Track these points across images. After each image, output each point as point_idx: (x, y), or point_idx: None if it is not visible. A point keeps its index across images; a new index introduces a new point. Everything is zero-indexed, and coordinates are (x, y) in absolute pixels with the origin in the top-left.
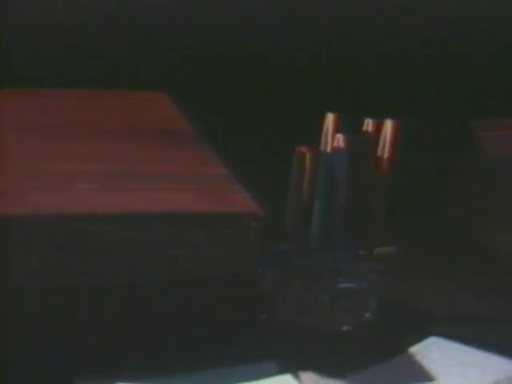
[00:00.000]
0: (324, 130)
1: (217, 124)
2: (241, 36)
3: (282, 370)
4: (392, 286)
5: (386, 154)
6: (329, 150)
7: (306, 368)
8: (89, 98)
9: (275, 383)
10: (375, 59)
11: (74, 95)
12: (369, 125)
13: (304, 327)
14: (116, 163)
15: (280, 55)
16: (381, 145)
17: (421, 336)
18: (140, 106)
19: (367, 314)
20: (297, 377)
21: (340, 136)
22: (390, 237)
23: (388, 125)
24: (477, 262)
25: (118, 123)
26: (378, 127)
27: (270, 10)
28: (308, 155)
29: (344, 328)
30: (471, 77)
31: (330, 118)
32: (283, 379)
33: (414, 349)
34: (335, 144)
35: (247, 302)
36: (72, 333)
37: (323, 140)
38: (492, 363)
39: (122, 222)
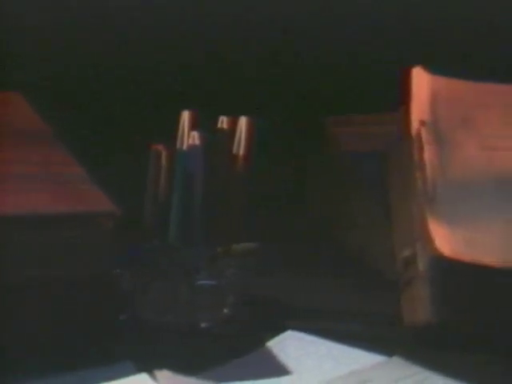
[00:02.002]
0: (180, 127)
1: (72, 123)
2: (100, 34)
3: (140, 369)
4: (251, 282)
5: (241, 151)
6: (185, 147)
7: (164, 366)
8: None
9: (131, 383)
10: (233, 58)
11: None
12: (223, 122)
13: (163, 325)
14: None
15: (139, 53)
16: (236, 142)
17: (279, 331)
18: None
19: (225, 310)
20: (153, 375)
21: (195, 133)
22: (249, 234)
23: (243, 122)
24: (334, 258)
25: None
26: (233, 124)
27: (132, 8)
28: (164, 153)
29: (202, 325)
30: (323, 75)
31: (185, 116)
32: (139, 378)
33: (271, 343)
34: (191, 141)
35: (106, 303)
36: None
37: (179, 138)
38: (347, 355)
39: None
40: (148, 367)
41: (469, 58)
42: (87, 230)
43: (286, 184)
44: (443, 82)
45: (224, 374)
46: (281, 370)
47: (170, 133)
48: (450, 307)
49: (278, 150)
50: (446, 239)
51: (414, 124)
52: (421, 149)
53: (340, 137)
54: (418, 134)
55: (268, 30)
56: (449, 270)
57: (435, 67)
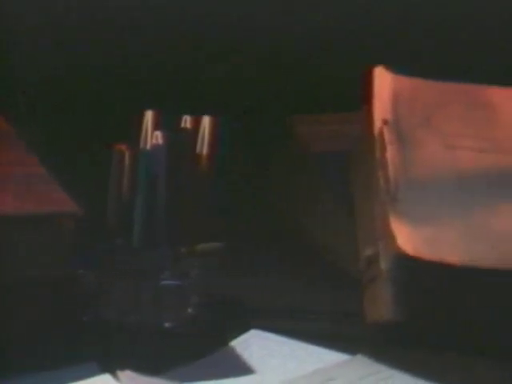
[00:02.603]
0: (143, 127)
1: (35, 123)
2: (59, 34)
3: (103, 370)
4: (214, 282)
5: (204, 151)
6: (148, 147)
7: (128, 366)
8: None
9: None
10: (196, 57)
11: None
12: (187, 122)
13: (127, 325)
14: None
15: (100, 54)
16: (199, 142)
17: (242, 330)
18: None
19: (189, 310)
20: (115, 376)
21: (158, 133)
22: (213, 234)
23: (206, 121)
24: (298, 257)
25: None
26: (197, 124)
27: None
28: (127, 153)
29: (166, 325)
30: (289, 74)
31: (148, 116)
32: (102, 379)
33: (235, 342)
34: (154, 141)
35: (69, 303)
36: None
37: (143, 137)
38: (311, 354)
39: None
40: (112, 368)
41: (431, 57)
42: (49, 230)
43: (250, 183)
44: (405, 81)
45: (188, 373)
46: (245, 370)
47: (133, 133)
48: (413, 306)
49: (243, 149)
50: (408, 238)
51: (377, 123)
52: (383, 148)
53: (306, 136)
54: (381, 133)
55: (229, 30)
56: (411, 268)
57: (397, 67)
